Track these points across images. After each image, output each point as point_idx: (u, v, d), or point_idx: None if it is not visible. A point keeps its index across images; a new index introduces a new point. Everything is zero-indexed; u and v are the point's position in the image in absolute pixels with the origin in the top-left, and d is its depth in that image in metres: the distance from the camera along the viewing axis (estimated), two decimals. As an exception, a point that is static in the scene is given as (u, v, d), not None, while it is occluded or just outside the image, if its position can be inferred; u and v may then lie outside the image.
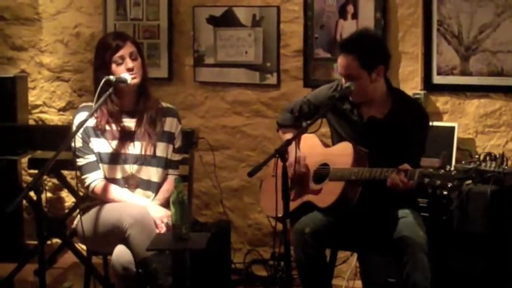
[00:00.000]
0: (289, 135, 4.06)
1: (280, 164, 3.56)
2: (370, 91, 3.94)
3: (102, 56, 4.04)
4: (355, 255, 4.80)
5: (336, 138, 4.14)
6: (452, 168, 4.15)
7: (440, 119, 4.85)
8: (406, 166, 3.71)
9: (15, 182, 5.51)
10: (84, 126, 3.91)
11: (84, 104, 4.14)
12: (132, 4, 5.59)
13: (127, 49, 4.02)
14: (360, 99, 3.97)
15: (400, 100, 4.01)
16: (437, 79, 4.86)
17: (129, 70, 4.00)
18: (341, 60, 3.93)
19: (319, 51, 5.15)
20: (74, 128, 3.96)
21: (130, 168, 4.06)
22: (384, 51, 4.01)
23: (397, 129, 3.92)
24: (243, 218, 5.50)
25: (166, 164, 4.14)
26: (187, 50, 5.52)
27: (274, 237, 3.87)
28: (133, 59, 4.03)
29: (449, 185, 3.58)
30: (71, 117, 4.17)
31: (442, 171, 3.62)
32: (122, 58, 4.01)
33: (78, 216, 4.07)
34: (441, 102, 4.89)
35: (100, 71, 4.02)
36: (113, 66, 4.00)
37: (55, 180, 5.68)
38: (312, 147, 4.15)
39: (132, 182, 4.07)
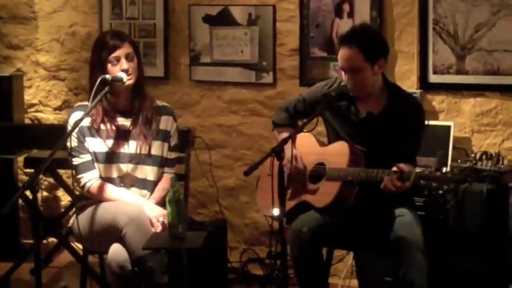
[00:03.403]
0: (285, 135, 4.06)
1: (276, 162, 3.57)
2: (370, 85, 3.93)
3: (99, 54, 4.03)
4: (352, 254, 4.80)
5: (333, 136, 4.13)
6: (448, 168, 4.17)
7: (436, 118, 4.85)
8: (401, 167, 3.71)
9: (11, 181, 5.49)
10: (79, 125, 3.91)
11: (79, 104, 4.14)
12: (128, 3, 5.58)
13: (123, 50, 4.01)
14: (360, 93, 3.94)
15: (396, 95, 4.01)
16: (433, 78, 4.87)
17: (124, 71, 3.99)
18: (344, 53, 3.88)
19: (315, 50, 5.15)
20: (69, 127, 3.96)
21: (126, 167, 4.06)
22: (385, 44, 4.00)
23: (393, 124, 3.92)
24: (240, 217, 5.50)
25: (162, 163, 4.14)
26: (183, 49, 5.51)
27: (270, 236, 3.88)
28: (129, 60, 4.02)
29: (446, 187, 3.58)
30: (67, 116, 4.16)
31: (439, 173, 3.61)
32: (117, 59, 4.00)
33: (74, 215, 4.07)
34: (437, 101, 4.89)
35: (96, 69, 4.02)
36: (108, 65, 3.99)
37: (51, 179, 5.67)
38: (308, 146, 4.15)
39: (127, 181, 4.07)
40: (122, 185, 4.06)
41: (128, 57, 4.02)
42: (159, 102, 4.21)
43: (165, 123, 4.16)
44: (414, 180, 3.66)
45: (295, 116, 4.24)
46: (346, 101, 4.01)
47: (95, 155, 4.04)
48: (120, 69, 3.98)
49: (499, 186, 4.31)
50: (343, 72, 3.94)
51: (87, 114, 3.89)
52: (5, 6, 5.86)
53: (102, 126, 4.04)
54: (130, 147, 4.06)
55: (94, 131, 4.04)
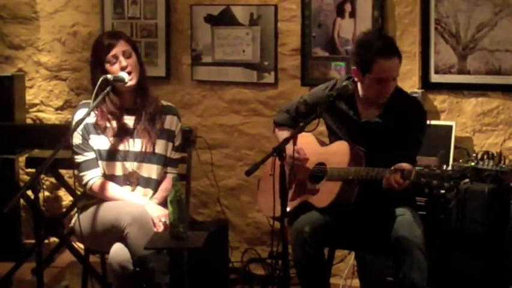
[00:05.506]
0: (285, 133, 4.09)
1: (278, 162, 3.57)
2: None
3: (97, 55, 4.03)
4: (353, 254, 4.80)
5: (333, 137, 4.13)
6: (450, 167, 4.17)
7: (438, 118, 4.85)
8: (402, 165, 3.71)
9: (13, 181, 5.50)
10: (84, 123, 3.91)
11: (84, 101, 4.13)
12: (130, 3, 5.58)
13: (119, 48, 4.00)
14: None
15: (397, 97, 4.01)
16: (435, 78, 4.87)
17: (123, 69, 3.98)
18: (393, 63, 3.88)
19: (317, 50, 5.15)
20: (73, 124, 3.96)
21: (131, 165, 4.06)
22: None
23: (394, 126, 3.92)
24: (241, 217, 5.50)
25: (165, 162, 4.14)
26: (184, 49, 5.52)
27: (272, 235, 3.88)
28: (127, 57, 4.01)
29: (446, 185, 3.59)
30: (69, 116, 4.17)
31: (439, 171, 3.62)
32: (115, 57, 3.99)
33: (76, 215, 4.07)
34: (439, 100, 4.89)
35: (96, 70, 4.02)
36: (107, 66, 3.99)
37: (53, 179, 5.67)
38: (309, 146, 4.15)
39: (133, 180, 4.06)
40: (127, 183, 4.06)
41: (125, 54, 4.01)
42: (164, 102, 4.21)
43: (170, 122, 4.16)
44: (415, 179, 3.66)
45: (297, 117, 4.24)
46: (347, 103, 4.01)
47: (99, 152, 4.03)
48: (120, 67, 3.98)
49: (501, 186, 4.31)
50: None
51: (88, 115, 3.89)
52: (6, 6, 5.87)
53: (108, 124, 4.04)
54: (136, 145, 4.06)
55: (99, 128, 4.04)
